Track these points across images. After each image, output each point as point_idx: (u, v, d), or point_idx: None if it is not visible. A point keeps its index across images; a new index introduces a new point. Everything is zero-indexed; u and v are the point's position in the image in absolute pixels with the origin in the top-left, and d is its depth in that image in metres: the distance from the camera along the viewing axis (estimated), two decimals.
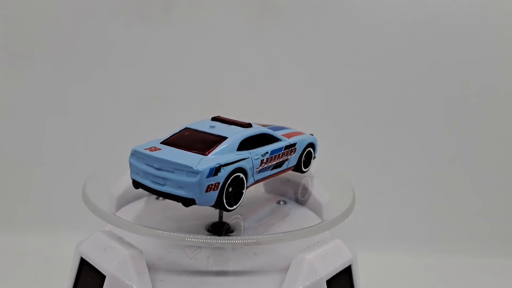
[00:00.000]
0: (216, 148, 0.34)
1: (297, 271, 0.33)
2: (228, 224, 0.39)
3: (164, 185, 0.33)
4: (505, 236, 0.79)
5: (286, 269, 0.34)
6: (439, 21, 0.73)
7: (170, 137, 0.37)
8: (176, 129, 0.39)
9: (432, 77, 0.75)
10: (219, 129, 0.37)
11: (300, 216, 0.44)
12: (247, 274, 0.35)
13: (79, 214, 0.53)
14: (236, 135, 0.36)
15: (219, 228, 0.38)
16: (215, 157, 0.34)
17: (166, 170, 0.33)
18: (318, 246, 0.35)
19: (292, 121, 0.74)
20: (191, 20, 0.73)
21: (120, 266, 0.32)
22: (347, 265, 0.36)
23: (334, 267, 0.34)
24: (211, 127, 0.37)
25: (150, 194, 0.46)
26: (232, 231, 0.38)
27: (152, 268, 0.34)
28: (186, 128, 0.38)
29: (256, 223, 0.40)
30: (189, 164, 0.32)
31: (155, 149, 0.34)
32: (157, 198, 0.45)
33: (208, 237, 0.33)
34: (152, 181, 0.34)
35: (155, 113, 0.76)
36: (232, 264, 0.36)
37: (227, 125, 0.38)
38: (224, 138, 0.36)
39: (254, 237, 0.33)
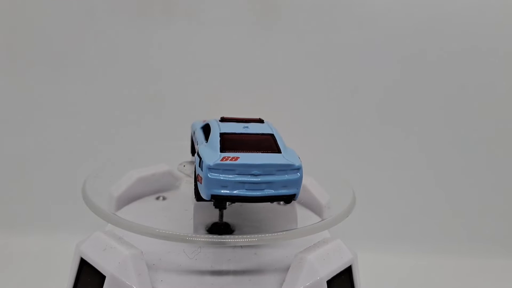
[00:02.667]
0: (279, 145, 0.35)
1: (297, 271, 0.33)
2: (228, 223, 0.39)
3: (264, 189, 0.33)
4: (505, 237, 0.79)
5: (286, 269, 0.34)
6: (440, 22, 0.73)
7: (222, 144, 0.35)
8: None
9: (432, 77, 0.75)
10: (254, 128, 0.37)
11: (300, 216, 0.44)
12: (247, 274, 0.35)
13: (79, 214, 0.53)
14: (275, 131, 0.37)
15: (220, 228, 0.38)
16: (286, 153, 0.34)
17: (269, 174, 0.33)
18: (319, 246, 0.35)
19: (292, 120, 0.74)
20: (191, 20, 0.73)
21: (120, 266, 0.32)
22: (347, 265, 0.36)
23: (334, 267, 0.34)
24: (245, 127, 0.37)
25: (149, 194, 0.46)
26: (232, 231, 0.38)
27: (152, 268, 0.34)
28: (222, 134, 0.36)
29: (256, 223, 0.40)
30: (292, 163, 0.33)
31: (235, 158, 0.32)
32: (157, 198, 0.45)
33: (208, 237, 0.33)
34: (248, 189, 0.32)
35: (155, 113, 0.76)
36: (232, 264, 0.36)
37: (248, 123, 0.38)
38: (271, 135, 0.36)
39: (255, 236, 0.33)
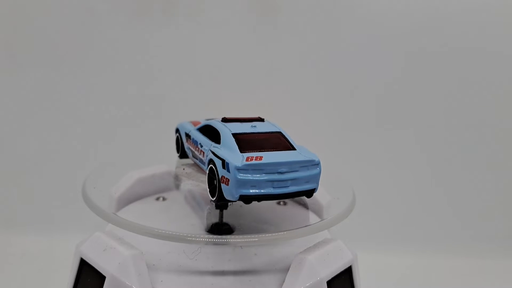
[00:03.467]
0: (291, 143, 0.36)
1: (297, 272, 0.33)
2: (228, 224, 0.39)
3: (288, 186, 0.33)
4: (505, 237, 0.79)
5: (286, 270, 0.34)
6: (439, 21, 0.73)
7: (239, 145, 0.35)
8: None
9: (432, 76, 0.75)
10: (261, 127, 0.38)
11: (300, 216, 0.44)
12: (247, 275, 0.35)
13: (79, 214, 0.53)
14: (280, 128, 0.38)
15: (220, 228, 0.38)
16: (300, 150, 0.36)
17: (293, 171, 0.33)
18: (319, 247, 0.35)
19: (292, 120, 0.74)
20: (191, 20, 0.73)
21: (120, 266, 0.32)
22: (347, 266, 0.36)
23: (334, 268, 0.34)
24: (253, 126, 0.38)
25: (149, 195, 0.46)
26: (232, 231, 0.38)
27: (152, 268, 0.34)
28: (235, 134, 0.36)
29: (256, 223, 0.40)
30: (312, 158, 0.34)
31: (259, 158, 0.33)
32: (157, 199, 0.45)
33: (208, 237, 0.33)
34: (274, 187, 0.33)
35: (155, 113, 0.76)
36: (232, 264, 0.36)
37: (252, 122, 0.39)
38: (279, 132, 0.37)
39: (255, 236, 0.33)
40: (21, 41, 0.74)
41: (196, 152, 0.39)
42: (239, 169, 0.32)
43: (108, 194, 0.45)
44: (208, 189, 0.35)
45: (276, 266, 0.36)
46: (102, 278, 0.33)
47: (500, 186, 0.78)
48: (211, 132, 0.38)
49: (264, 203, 0.37)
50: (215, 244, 0.34)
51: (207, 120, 0.45)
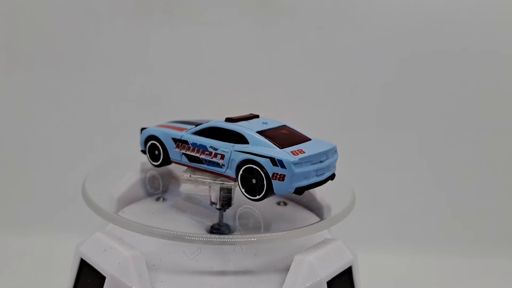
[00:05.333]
0: (303, 133, 0.40)
1: (297, 272, 0.33)
2: (228, 224, 0.39)
3: (324, 173, 0.37)
4: (505, 237, 0.79)
5: (286, 270, 0.34)
6: (439, 22, 0.73)
7: (273, 142, 0.37)
8: None
9: (432, 76, 0.75)
10: (271, 123, 0.40)
11: (300, 216, 0.44)
12: (247, 275, 0.35)
13: (79, 215, 0.53)
14: (283, 122, 0.41)
15: (220, 229, 0.38)
16: (313, 139, 0.39)
17: (328, 159, 0.37)
18: (319, 247, 0.35)
19: (291, 121, 0.74)
20: (191, 20, 0.73)
21: (120, 267, 0.32)
22: (347, 266, 0.36)
23: (334, 268, 0.34)
24: (264, 123, 0.39)
25: (149, 196, 0.46)
26: (232, 232, 0.38)
27: (152, 269, 0.34)
28: (259, 132, 0.38)
29: (256, 224, 0.40)
30: (334, 145, 0.38)
31: (301, 151, 0.35)
32: (158, 199, 0.45)
33: (208, 236, 0.33)
34: (317, 175, 0.36)
35: (154, 113, 0.76)
36: (232, 264, 0.36)
37: (258, 119, 0.41)
38: (285, 126, 0.40)
39: (255, 236, 0.33)
40: (21, 41, 0.74)
41: (202, 156, 0.39)
42: (296, 164, 0.34)
43: (108, 195, 0.45)
44: (241, 190, 0.37)
45: (276, 266, 0.36)
46: (102, 278, 0.33)
47: (500, 186, 0.78)
48: (220, 134, 0.38)
49: (264, 203, 0.37)
50: (215, 244, 0.34)
51: (173, 122, 0.46)
